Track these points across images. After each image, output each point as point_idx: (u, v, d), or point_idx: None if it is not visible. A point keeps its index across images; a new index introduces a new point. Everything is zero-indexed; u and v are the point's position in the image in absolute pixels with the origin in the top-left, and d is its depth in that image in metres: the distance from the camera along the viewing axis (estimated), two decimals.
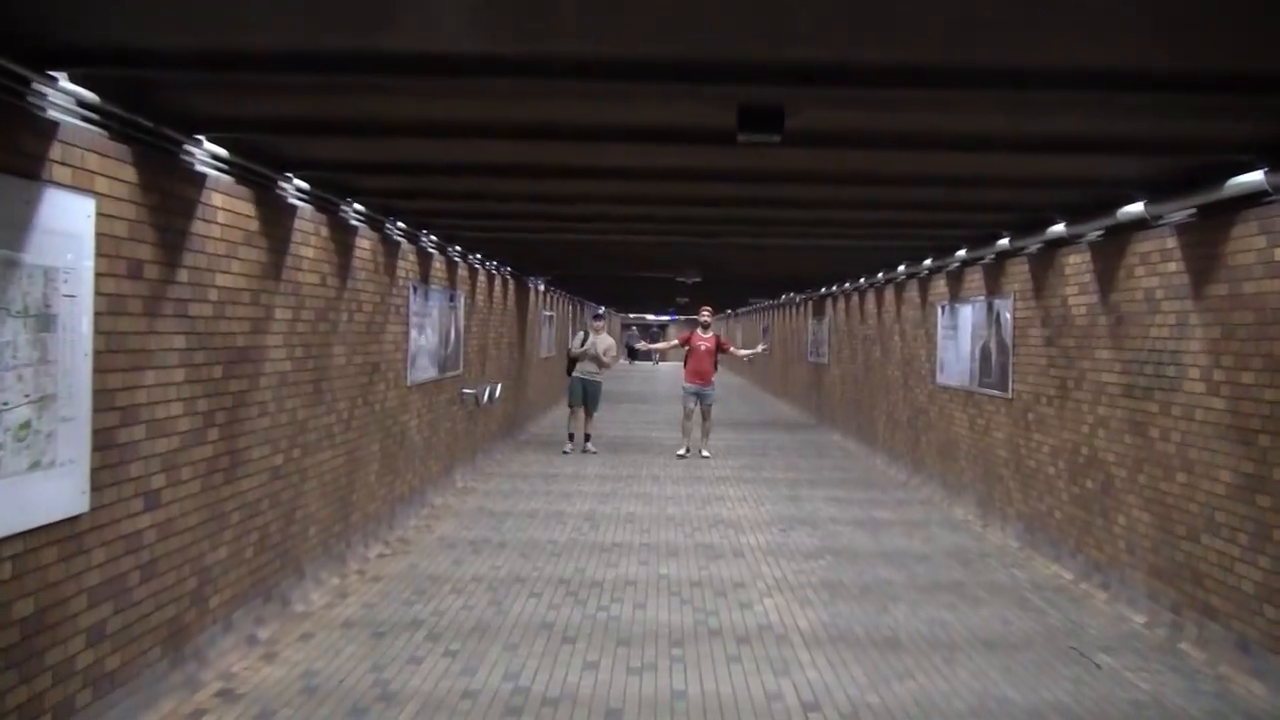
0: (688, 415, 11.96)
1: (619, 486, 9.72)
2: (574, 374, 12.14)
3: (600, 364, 11.94)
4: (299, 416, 5.66)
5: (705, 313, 12.05)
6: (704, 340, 11.98)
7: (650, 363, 44.51)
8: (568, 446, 11.97)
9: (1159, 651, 4.99)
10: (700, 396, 11.87)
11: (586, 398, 12.05)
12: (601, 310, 12.47)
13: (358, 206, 6.52)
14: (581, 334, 12.11)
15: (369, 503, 6.97)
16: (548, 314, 16.41)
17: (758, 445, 13.55)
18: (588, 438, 12.08)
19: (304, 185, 5.62)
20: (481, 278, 10.82)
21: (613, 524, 8.02)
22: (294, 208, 5.63)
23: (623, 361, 44.97)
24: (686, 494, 9.50)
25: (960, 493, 8.94)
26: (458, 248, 9.40)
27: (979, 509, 8.34)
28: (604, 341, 12.02)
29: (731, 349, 12.03)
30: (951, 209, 6.69)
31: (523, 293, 13.70)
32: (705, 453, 11.78)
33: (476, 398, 10.32)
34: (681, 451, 11.67)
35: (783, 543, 7.40)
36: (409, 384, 7.85)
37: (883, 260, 10.70)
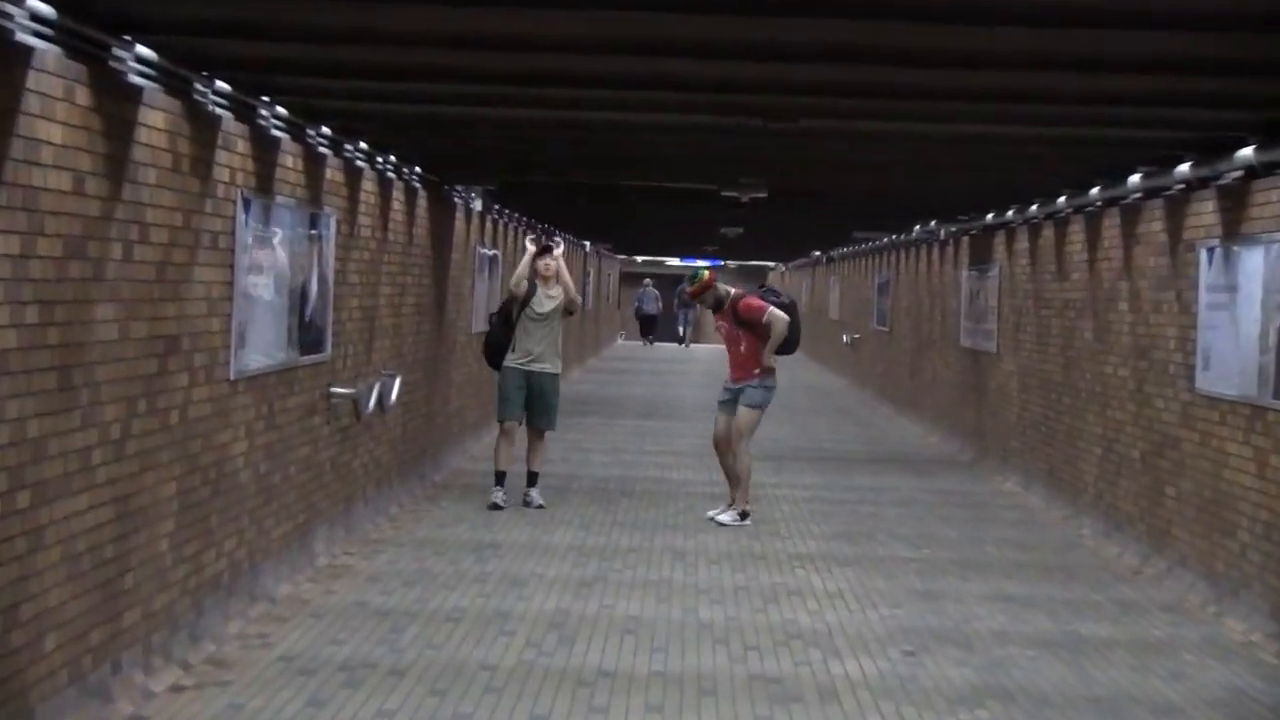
0: (717, 442, 11.97)
1: (609, 568, 9.99)
2: (509, 361, 12.04)
3: (556, 340, 11.90)
4: (29, 433, 5.72)
5: (710, 273, 11.99)
6: (722, 318, 11.98)
7: (678, 343, 45.04)
8: (497, 496, 12.01)
9: None
10: (727, 405, 11.87)
11: (534, 405, 11.94)
12: (557, 242, 12.43)
13: (143, 53, 6.49)
14: (524, 283, 12.04)
15: (156, 591, 7.03)
16: (488, 253, 16.58)
17: (864, 497, 13.66)
18: (532, 479, 12.05)
19: (44, 9, 5.58)
20: (369, 188, 10.93)
21: (598, 635, 8.10)
22: (24, 52, 5.57)
23: (625, 342, 45.87)
24: (735, 584, 9.63)
25: (1239, 590, 9.02)
26: (326, 131, 9.49)
27: (1274, 621, 8.37)
28: (559, 293, 11.98)
29: (764, 315, 11.72)
30: (1232, 64, 6.72)
31: (443, 216, 13.87)
32: (723, 516, 11.85)
33: (357, 402, 10.49)
34: (722, 517, 11.85)
35: (910, 677, 7.54)
36: (233, 376, 7.96)
37: (1096, 160, 10.72)
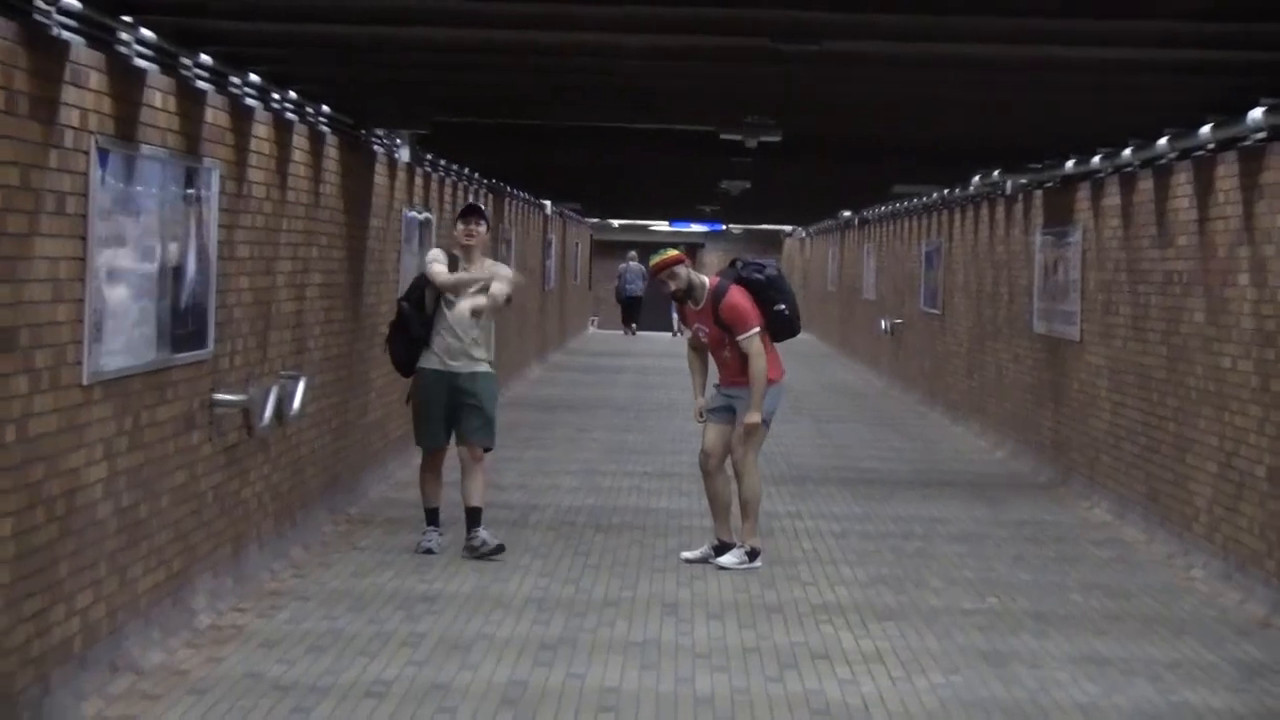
0: (704, 459, 11.97)
1: (579, 626, 9.98)
2: (425, 362, 11.77)
3: (487, 329, 11.60)
4: None
5: (676, 252, 11.90)
6: (699, 319, 11.91)
7: (671, 333, 45.13)
8: (428, 538, 11.93)
9: None
10: (720, 414, 11.87)
11: (462, 417, 11.74)
12: (483, 211, 12.26)
13: None
14: (441, 255, 11.74)
15: None
16: (418, 217, 16.60)
17: (911, 530, 13.71)
18: (475, 517, 11.87)
19: None
20: (263, 134, 10.95)
21: (564, 714, 8.08)
22: None
23: (598, 331, 45.95)
24: (742, 645, 9.64)
25: None
26: (206, 60, 9.50)
27: None
28: (492, 277, 11.60)
29: (744, 334, 11.53)
30: None
31: (360, 170, 13.88)
32: (727, 558, 11.83)
33: (248, 413, 10.51)
34: (689, 555, 12.04)
35: None
36: (86, 380, 7.96)
37: (1211, 92, 10.70)
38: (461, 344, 11.63)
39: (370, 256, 14.15)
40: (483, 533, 11.70)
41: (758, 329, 11.60)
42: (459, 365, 11.65)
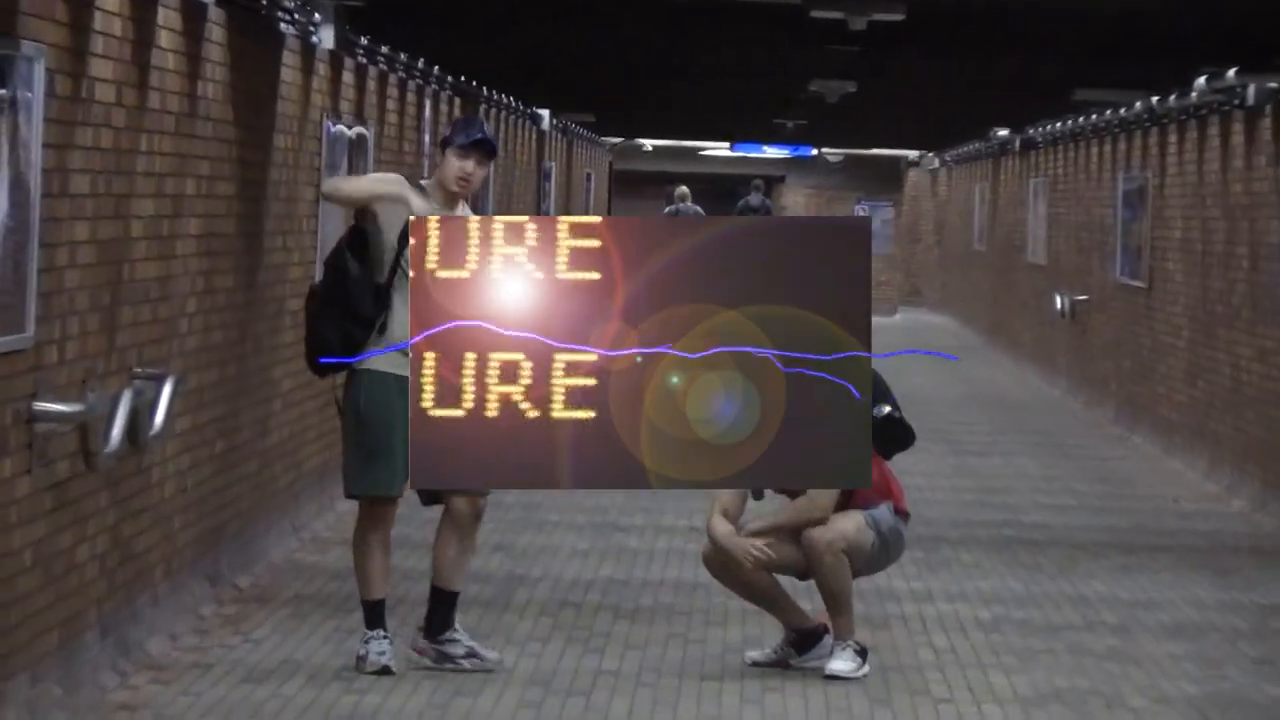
0: (717, 545, 11.99)
1: None
2: (375, 363, 11.45)
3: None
4: None
5: None
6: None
7: None
8: (377, 652, 11.71)
9: None
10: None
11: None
12: (495, 144, 12.16)
13: None
14: (401, 184, 11.58)
15: None
16: (348, 133, 16.72)
17: (1097, 617, 13.73)
18: (449, 604, 11.79)
19: None
20: (112, 5, 10.94)
21: None
22: None
23: None
24: None
25: None
26: None
27: None
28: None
29: None
30: None
31: (259, 60, 13.93)
32: (839, 663, 11.83)
33: (87, 430, 10.54)
34: (757, 655, 12.26)
35: None
36: None
37: None
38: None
39: (274, 193, 14.19)
40: (460, 637, 11.66)
41: None
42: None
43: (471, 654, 11.57)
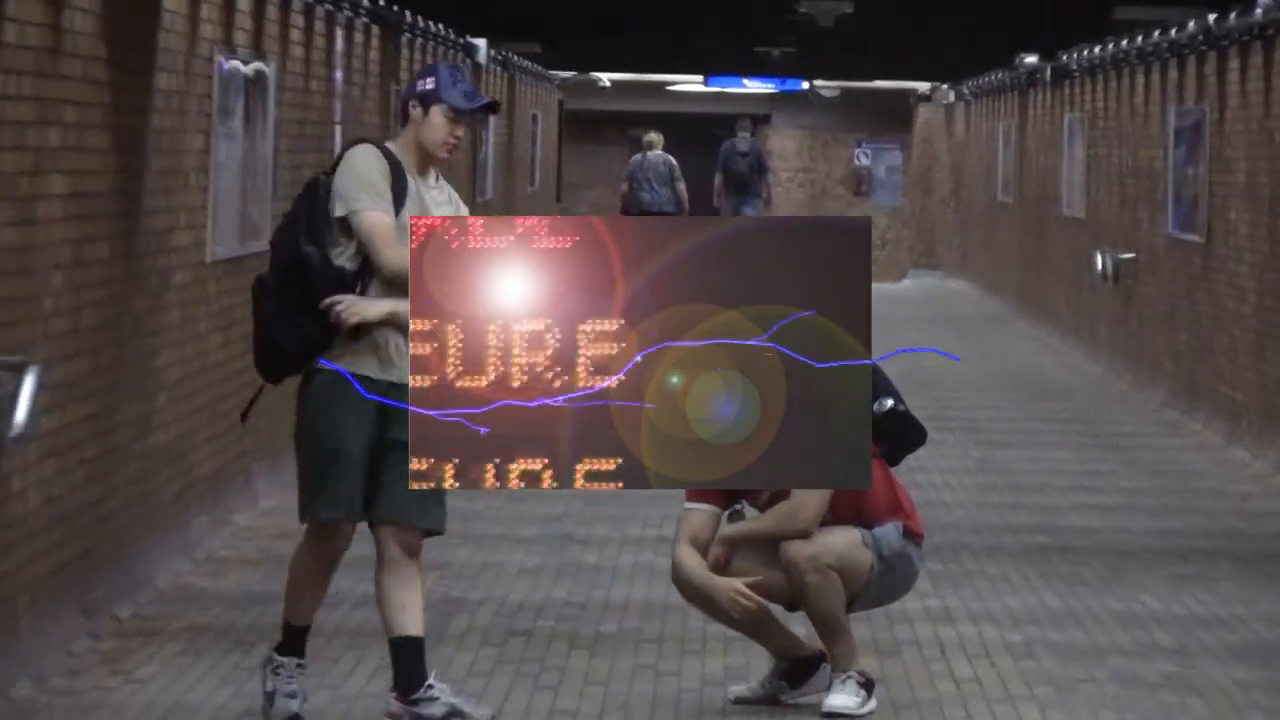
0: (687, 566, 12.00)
1: None
2: (352, 364, 11.61)
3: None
4: None
5: None
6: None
7: None
8: (287, 685, 11.64)
9: None
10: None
11: (392, 476, 11.64)
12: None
13: None
14: (377, 162, 11.64)
15: None
16: (244, 69, 16.81)
17: (1149, 639, 13.83)
18: (416, 653, 11.76)
19: None
20: None
21: None
22: None
23: None
24: None
25: None
26: None
27: None
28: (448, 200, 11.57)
29: None
30: None
31: None
32: (839, 698, 12.04)
33: None
34: (741, 690, 12.50)
35: None
36: None
37: None
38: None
39: (156, 143, 14.14)
40: (452, 694, 11.61)
41: None
42: (403, 373, 11.56)
43: (453, 713, 11.57)
